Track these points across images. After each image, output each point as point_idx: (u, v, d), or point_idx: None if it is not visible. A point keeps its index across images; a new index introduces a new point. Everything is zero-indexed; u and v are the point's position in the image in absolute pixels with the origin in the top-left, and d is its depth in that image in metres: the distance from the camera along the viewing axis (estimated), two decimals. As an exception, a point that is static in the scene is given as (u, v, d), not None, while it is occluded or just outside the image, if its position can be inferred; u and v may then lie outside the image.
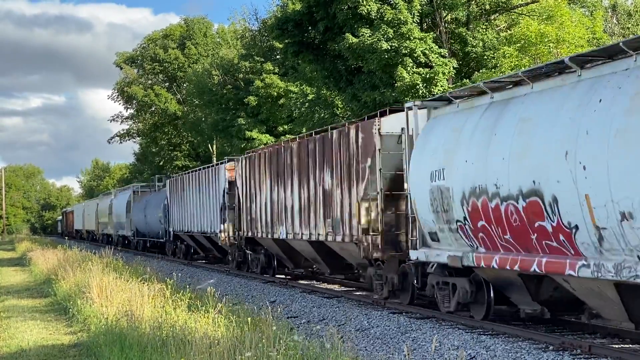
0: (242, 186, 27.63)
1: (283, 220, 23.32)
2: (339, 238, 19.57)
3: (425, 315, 16.33)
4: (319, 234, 20.84)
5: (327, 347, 10.11)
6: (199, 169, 34.89)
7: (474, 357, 12.28)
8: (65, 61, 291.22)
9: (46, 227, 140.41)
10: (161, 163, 77.40)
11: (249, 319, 12.29)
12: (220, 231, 29.98)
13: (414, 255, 16.26)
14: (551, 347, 12.26)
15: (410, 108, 16.54)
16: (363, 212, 18.13)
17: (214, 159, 63.99)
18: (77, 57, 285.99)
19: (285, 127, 51.77)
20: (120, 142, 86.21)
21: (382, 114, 17.96)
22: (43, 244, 52.30)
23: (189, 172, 37.40)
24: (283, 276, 26.56)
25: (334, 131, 20.07)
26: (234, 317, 13.08)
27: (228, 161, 30.69)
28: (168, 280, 18.26)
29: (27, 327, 16.61)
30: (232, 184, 29.26)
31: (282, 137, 49.77)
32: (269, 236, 24.67)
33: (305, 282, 24.77)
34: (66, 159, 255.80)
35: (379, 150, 17.71)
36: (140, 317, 13.57)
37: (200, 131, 66.86)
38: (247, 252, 28.05)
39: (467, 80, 29.54)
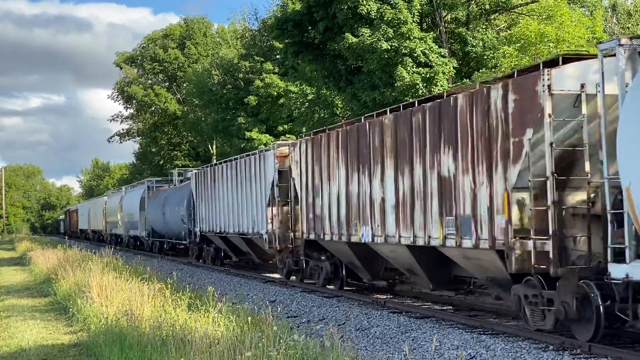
0: (300, 176, 22.32)
1: (367, 218, 18.09)
2: (467, 243, 14.32)
3: (425, 315, 16.33)
4: (429, 237, 15.51)
5: (327, 346, 10.10)
6: (236, 158, 29.66)
7: (474, 356, 12.28)
8: (65, 61, 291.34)
9: (46, 226, 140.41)
10: (161, 163, 77.40)
11: (249, 318, 12.29)
12: (267, 232, 25.00)
13: (618, 271, 11.15)
14: (551, 347, 12.26)
15: (609, 51, 11.47)
16: (515, 207, 13.06)
17: (214, 159, 63.99)
18: (77, 57, 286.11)
19: (285, 127, 51.78)
20: (120, 142, 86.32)
21: (551, 65, 12.78)
22: (43, 244, 52.28)
23: (221, 163, 31.83)
24: (351, 290, 21.55)
25: (459, 96, 14.74)
26: (234, 316, 13.08)
27: (278, 146, 25.24)
28: (168, 279, 18.27)
29: (27, 326, 16.61)
30: (283, 173, 24.29)
31: (282, 137, 49.80)
32: (342, 239, 19.49)
33: (306, 282, 24.75)
34: (66, 159, 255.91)
35: (550, 116, 12.49)
36: (140, 317, 13.57)
37: (200, 131, 66.88)
38: (305, 258, 22.81)
39: (467, 80, 29.54)
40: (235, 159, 29.65)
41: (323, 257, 21.80)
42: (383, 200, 17.35)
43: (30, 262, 36.89)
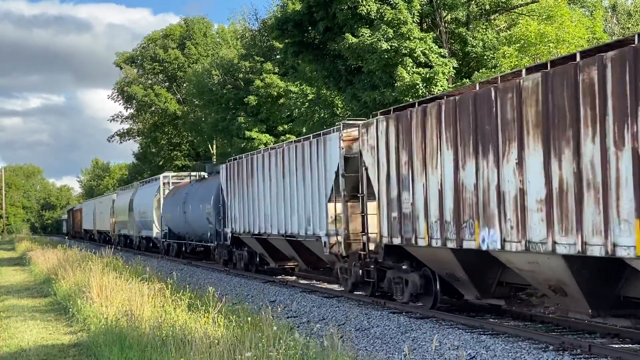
0: (377, 164, 17.56)
1: (492, 217, 13.60)
2: None
3: (425, 315, 16.32)
4: (613, 245, 10.97)
5: (327, 346, 10.10)
6: (283, 145, 24.64)
7: (474, 356, 12.28)
8: (65, 61, 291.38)
9: (46, 226, 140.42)
10: (161, 163, 77.41)
11: (249, 318, 12.29)
12: (326, 234, 20.43)
13: None
14: (551, 347, 12.25)
15: None
16: None
17: (214, 159, 63.99)
18: (77, 58, 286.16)
19: (285, 126, 51.79)
20: (120, 142, 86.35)
21: None
22: (43, 244, 52.26)
23: (261, 152, 26.56)
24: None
25: None
26: (234, 316, 13.09)
27: (344, 127, 20.10)
28: (168, 279, 18.27)
29: (27, 326, 16.60)
30: (350, 160, 19.53)
31: (282, 137, 49.83)
32: (448, 244, 14.94)
33: (305, 282, 24.75)
34: (66, 159, 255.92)
35: None
36: (140, 317, 13.57)
37: (200, 131, 66.90)
38: (380, 267, 18.40)
39: (467, 80, 29.54)
40: (280, 146, 24.67)
41: (405, 267, 17.35)
42: (522, 192, 12.78)
43: (30, 262, 36.89)
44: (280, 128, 52.53)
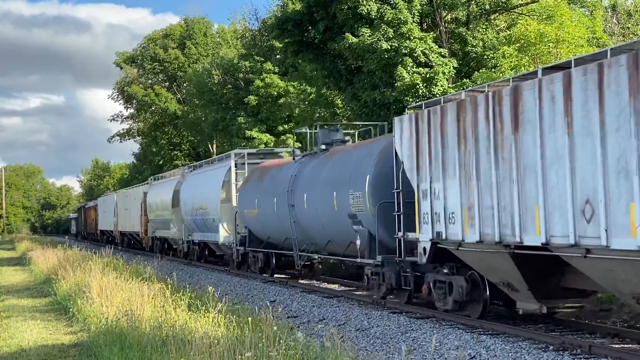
0: None
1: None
2: None
3: (425, 315, 16.32)
4: None
5: (327, 346, 10.11)
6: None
7: (474, 357, 12.28)
8: (64, 61, 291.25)
9: (46, 226, 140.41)
10: (161, 162, 77.41)
11: (249, 318, 12.30)
12: None
13: None
14: (551, 347, 12.26)
15: None
16: None
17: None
18: (76, 58, 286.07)
19: (285, 126, 51.77)
20: (121, 142, 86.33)
21: None
22: (43, 244, 52.25)
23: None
24: None
25: None
26: (234, 317, 13.09)
27: None
28: (168, 279, 18.28)
29: (27, 326, 16.61)
30: None
31: (282, 137, 49.85)
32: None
33: (306, 282, 24.72)
34: (66, 159, 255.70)
35: None
36: (140, 317, 13.58)
37: (200, 131, 66.87)
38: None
39: (468, 80, 29.52)
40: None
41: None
42: None
43: (30, 262, 36.88)
44: (280, 128, 52.51)
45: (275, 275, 26.32)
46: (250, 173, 28.71)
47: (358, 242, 18.73)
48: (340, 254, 21.38)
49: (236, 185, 29.59)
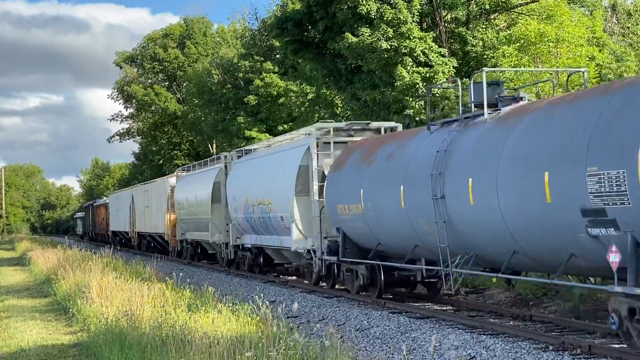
0: None
1: None
2: None
3: (425, 315, 16.31)
4: None
5: (327, 346, 10.10)
6: None
7: (474, 357, 12.28)
8: (64, 61, 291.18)
9: (46, 226, 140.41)
10: (161, 162, 77.44)
11: (249, 319, 12.30)
12: None
13: None
14: (551, 347, 12.25)
15: None
16: None
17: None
18: (75, 57, 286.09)
19: (285, 126, 51.78)
20: (120, 141, 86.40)
21: None
22: (43, 244, 52.26)
23: None
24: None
25: None
26: (234, 317, 13.09)
27: None
28: (168, 280, 18.28)
29: (27, 326, 16.61)
30: None
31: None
32: None
33: (305, 282, 24.71)
34: (66, 159, 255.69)
35: None
36: (140, 317, 13.58)
37: (200, 130, 66.88)
38: None
39: (468, 80, 29.52)
40: None
41: None
42: None
43: (30, 262, 36.88)
44: (280, 128, 52.53)
45: (388, 302, 18.36)
46: (344, 154, 20.59)
47: (613, 255, 11.00)
48: (544, 270, 14.41)
49: (319, 171, 21.51)
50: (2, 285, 27.47)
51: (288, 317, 17.07)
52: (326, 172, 21.03)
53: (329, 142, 21.87)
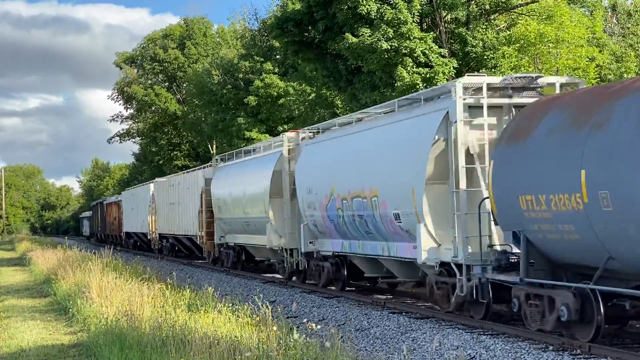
0: None
1: None
2: None
3: (425, 315, 16.31)
4: None
5: (327, 346, 10.10)
6: None
7: (474, 357, 12.28)
8: (63, 62, 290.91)
9: (46, 227, 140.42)
10: (161, 163, 77.46)
11: (249, 319, 12.30)
12: None
13: None
14: (551, 347, 12.25)
15: None
16: None
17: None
18: (75, 58, 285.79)
19: (285, 127, 51.78)
20: (120, 142, 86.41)
21: None
22: (43, 244, 52.25)
23: None
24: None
25: None
26: (234, 317, 13.09)
27: None
28: (168, 280, 18.28)
29: (27, 327, 16.60)
30: None
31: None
32: None
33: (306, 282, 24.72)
34: (66, 159, 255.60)
35: None
36: (140, 317, 13.58)
37: (200, 131, 66.88)
38: None
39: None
40: None
41: None
42: None
43: (30, 263, 36.88)
44: (280, 128, 52.53)
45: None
46: (526, 117, 13.63)
47: None
48: None
49: (466, 148, 14.92)
50: (2, 286, 27.47)
51: (288, 317, 17.08)
52: (473, 149, 14.89)
53: (480, 105, 14.93)
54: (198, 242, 34.37)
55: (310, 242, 21.85)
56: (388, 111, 18.70)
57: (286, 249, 23.91)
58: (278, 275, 26.40)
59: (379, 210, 17.12)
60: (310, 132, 23.36)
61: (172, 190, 40.21)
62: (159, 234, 43.19)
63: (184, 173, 40.97)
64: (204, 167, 35.29)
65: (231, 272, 29.74)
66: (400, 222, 16.39)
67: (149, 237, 46.10)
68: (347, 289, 21.11)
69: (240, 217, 27.64)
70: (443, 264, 15.38)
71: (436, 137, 15.24)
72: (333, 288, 21.42)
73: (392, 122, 17.65)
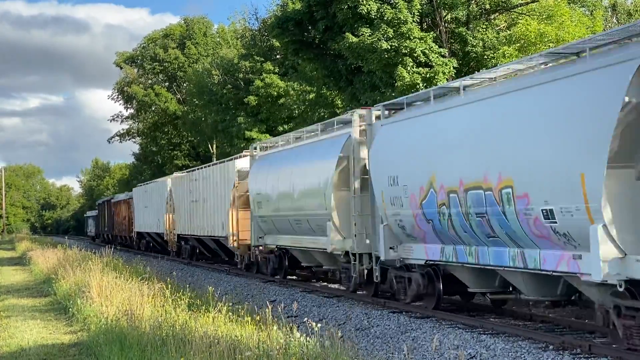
0: None
1: None
2: None
3: (425, 315, 16.30)
4: None
5: (327, 346, 10.10)
6: None
7: (474, 356, 12.27)
8: (63, 62, 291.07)
9: (46, 226, 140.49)
10: (161, 162, 77.48)
11: (249, 318, 12.30)
12: None
13: None
14: (551, 347, 12.24)
15: None
16: None
17: (214, 158, 63.98)
18: (75, 58, 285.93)
19: (285, 126, 51.77)
20: (120, 142, 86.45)
21: None
22: (43, 244, 52.25)
23: None
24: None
25: None
26: (234, 316, 13.09)
27: None
28: (168, 279, 18.28)
29: (27, 326, 16.60)
30: None
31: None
32: None
33: (305, 282, 24.73)
34: (66, 159, 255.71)
35: None
36: (140, 317, 13.58)
37: (200, 131, 66.89)
38: None
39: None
40: None
41: None
42: None
43: (30, 262, 36.87)
44: (280, 128, 52.52)
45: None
46: None
47: None
48: None
49: None
50: (3, 285, 27.47)
51: (288, 317, 17.07)
52: None
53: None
54: (228, 245, 29.32)
55: (390, 248, 17.16)
56: (534, 65, 13.46)
57: (353, 254, 19.02)
58: (340, 287, 21.72)
59: (515, 205, 12.41)
60: (385, 110, 18.08)
61: (194, 186, 35.23)
62: (178, 235, 38.64)
63: (209, 165, 35.18)
64: (236, 158, 30.35)
65: (276, 280, 24.44)
66: (555, 222, 11.61)
67: (165, 238, 41.64)
68: (443, 305, 16.83)
69: (289, 215, 22.71)
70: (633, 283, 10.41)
71: (626, 98, 10.00)
72: (420, 303, 16.99)
73: (531, 87, 12.46)
